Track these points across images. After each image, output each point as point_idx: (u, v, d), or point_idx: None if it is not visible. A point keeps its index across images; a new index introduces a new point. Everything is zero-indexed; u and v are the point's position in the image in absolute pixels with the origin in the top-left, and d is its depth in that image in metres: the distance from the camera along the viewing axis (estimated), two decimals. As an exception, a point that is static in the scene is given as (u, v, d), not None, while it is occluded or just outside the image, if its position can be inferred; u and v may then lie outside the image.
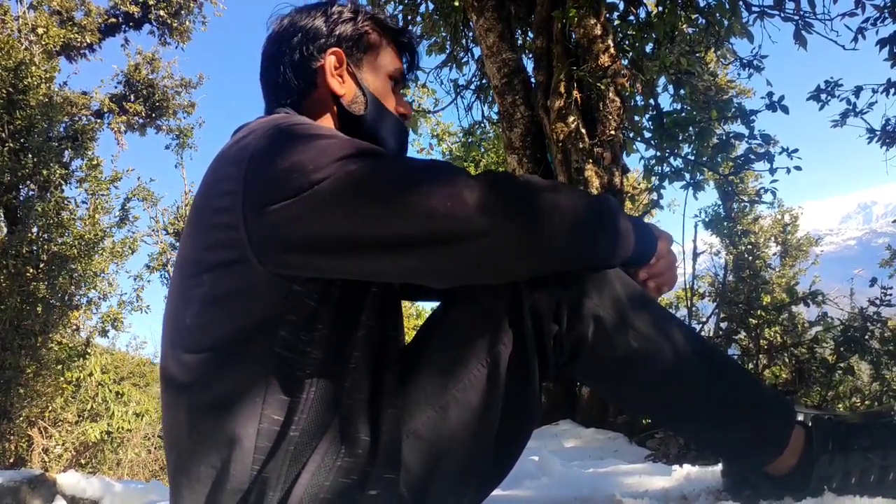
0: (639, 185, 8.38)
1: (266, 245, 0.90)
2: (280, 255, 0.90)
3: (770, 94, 4.36)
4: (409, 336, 1.11)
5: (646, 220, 1.12)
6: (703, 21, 4.32)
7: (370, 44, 1.18)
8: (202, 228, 0.97)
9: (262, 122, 1.02)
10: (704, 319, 4.04)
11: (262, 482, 0.91)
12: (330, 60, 1.14)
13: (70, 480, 2.21)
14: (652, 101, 4.48)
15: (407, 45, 1.24)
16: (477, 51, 5.02)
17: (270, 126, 0.97)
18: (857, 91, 4.43)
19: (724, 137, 4.75)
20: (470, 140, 7.83)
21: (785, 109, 4.32)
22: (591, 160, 3.43)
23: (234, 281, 0.93)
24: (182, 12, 10.78)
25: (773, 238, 12.26)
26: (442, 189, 0.87)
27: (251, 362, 0.93)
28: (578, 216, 0.93)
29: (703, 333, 3.74)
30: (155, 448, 9.99)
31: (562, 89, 3.55)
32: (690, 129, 4.55)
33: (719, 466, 1.36)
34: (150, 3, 10.49)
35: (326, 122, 1.15)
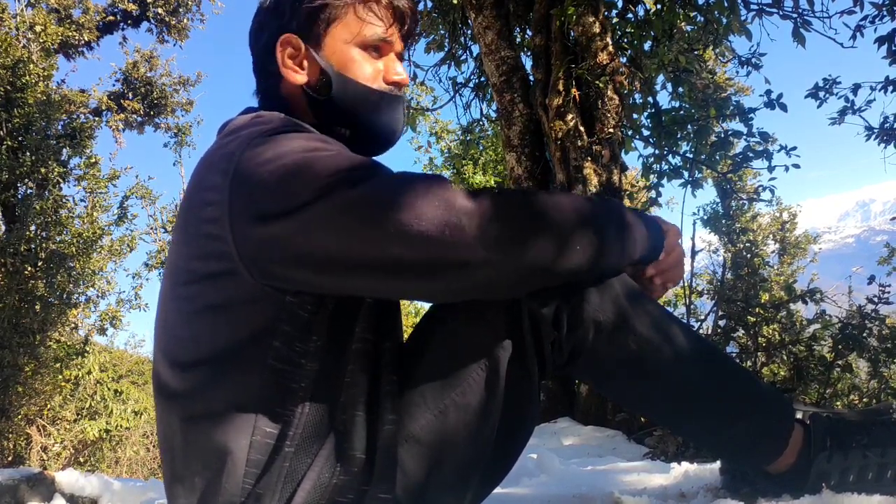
0: (637, 182, 8.38)
1: (256, 260, 0.88)
2: (271, 271, 0.89)
3: (768, 92, 4.37)
4: (408, 335, 1.10)
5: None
6: (702, 19, 4.32)
7: (333, 15, 1.07)
8: (190, 237, 0.95)
9: (248, 123, 0.98)
10: (703, 317, 4.04)
11: (256, 498, 0.90)
12: (283, 51, 1.07)
13: (69, 479, 2.21)
14: (650, 99, 4.48)
15: (387, 4, 1.09)
16: (475, 48, 5.02)
17: (255, 132, 0.94)
18: (856, 89, 4.43)
19: (722, 135, 4.76)
20: (468, 138, 7.82)
21: (783, 107, 4.33)
22: (589, 158, 3.43)
23: (226, 292, 0.92)
24: (180, 10, 10.75)
25: (771, 236, 12.25)
26: (441, 214, 0.84)
27: (244, 373, 0.92)
28: (583, 236, 0.91)
29: (701, 331, 3.75)
30: (153, 446, 9.99)
31: (560, 87, 3.54)
32: (689, 126, 4.55)
33: (718, 464, 1.36)
34: (149, 0, 10.46)
35: (301, 110, 1.09)
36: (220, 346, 0.93)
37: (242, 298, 0.91)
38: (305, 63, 1.08)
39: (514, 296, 0.97)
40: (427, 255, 0.84)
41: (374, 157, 0.99)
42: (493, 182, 9.31)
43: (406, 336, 1.09)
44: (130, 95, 10.98)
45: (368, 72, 1.09)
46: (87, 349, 8.19)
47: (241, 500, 0.90)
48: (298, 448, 0.92)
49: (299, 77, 1.08)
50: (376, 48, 1.10)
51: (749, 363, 3.49)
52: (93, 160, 8.18)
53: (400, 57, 1.15)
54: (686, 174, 4.51)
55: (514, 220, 0.87)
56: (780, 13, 4.17)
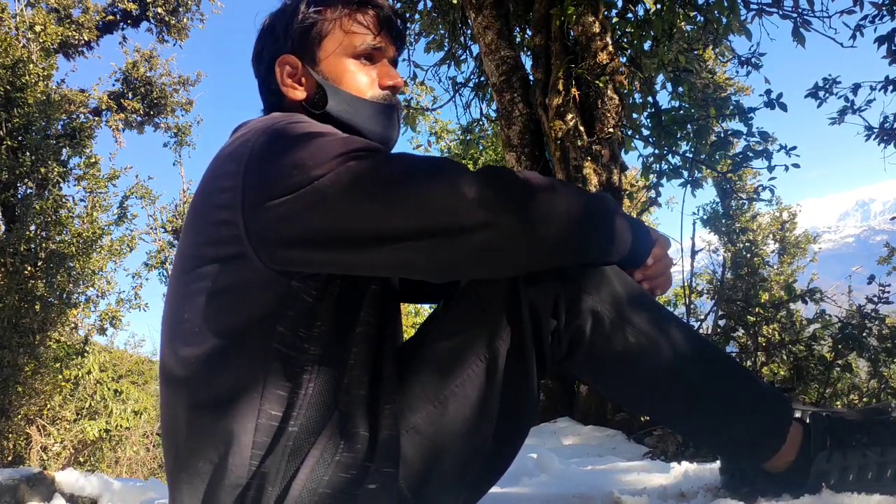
0: (637, 182, 8.38)
1: (265, 240, 0.90)
2: (279, 251, 0.91)
3: (768, 92, 4.36)
4: (409, 335, 1.11)
5: (644, 217, 1.12)
6: (702, 18, 4.32)
7: (322, 31, 1.13)
8: (201, 224, 0.98)
9: (263, 120, 1.02)
10: (703, 317, 4.05)
11: (261, 477, 0.92)
12: (282, 70, 1.14)
13: (68, 478, 2.21)
14: (650, 99, 4.48)
15: (373, 14, 1.15)
16: (475, 48, 5.02)
17: (270, 124, 0.98)
18: (855, 88, 4.43)
19: (722, 135, 4.76)
20: (468, 138, 7.82)
21: (783, 107, 4.33)
22: (589, 157, 3.43)
23: (233, 276, 0.94)
24: (180, 10, 10.75)
25: (771, 235, 12.26)
26: (441, 184, 0.88)
27: (249, 357, 0.94)
28: (577, 211, 0.93)
29: (701, 331, 3.75)
30: (153, 446, 10.00)
31: (560, 87, 3.55)
32: (689, 126, 4.56)
33: (717, 463, 1.36)
34: (149, 0, 10.46)
35: None
36: (225, 331, 0.95)
37: (248, 283, 0.93)
38: (303, 80, 1.14)
39: (509, 271, 0.98)
40: (427, 223, 0.87)
41: None
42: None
43: (408, 337, 1.11)
44: (130, 95, 10.99)
45: (364, 81, 1.15)
46: (87, 349, 8.21)
47: (247, 481, 0.92)
48: (302, 427, 0.94)
49: (298, 93, 1.13)
50: (368, 56, 1.16)
51: (749, 363, 3.50)
52: (92, 160, 8.20)
53: (394, 61, 1.20)
54: (686, 174, 4.51)
55: (511, 188, 0.90)
56: (780, 13, 4.17)
